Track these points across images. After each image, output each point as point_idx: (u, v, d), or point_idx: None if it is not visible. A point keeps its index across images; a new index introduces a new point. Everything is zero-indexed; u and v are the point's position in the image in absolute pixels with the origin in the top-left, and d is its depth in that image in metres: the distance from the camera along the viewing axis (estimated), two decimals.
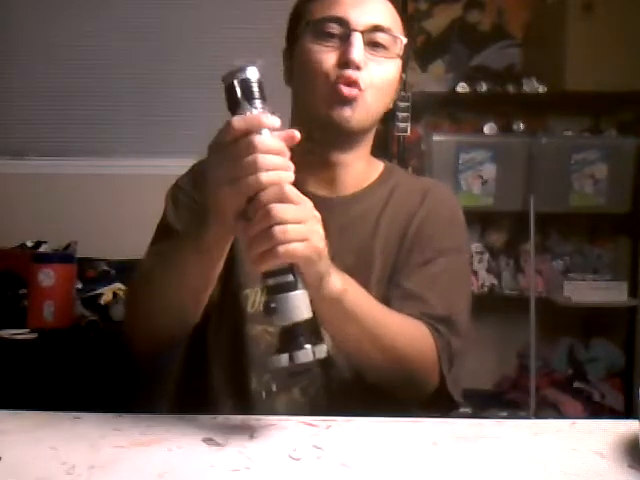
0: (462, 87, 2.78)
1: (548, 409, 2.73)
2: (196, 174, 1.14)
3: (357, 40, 1.01)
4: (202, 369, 1.08)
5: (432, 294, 1.04)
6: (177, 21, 2.84)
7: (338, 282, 0.88)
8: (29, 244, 2.39)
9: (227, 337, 1.06)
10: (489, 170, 2.76)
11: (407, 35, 1.10)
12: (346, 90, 1.01)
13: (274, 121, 0.80)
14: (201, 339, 1.06)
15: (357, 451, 0.79)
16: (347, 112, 1.02)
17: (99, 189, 2.65)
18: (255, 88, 0.82)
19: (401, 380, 0.98)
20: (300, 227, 0.80)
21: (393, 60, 1.06)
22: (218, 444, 0.80)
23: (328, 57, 1.03)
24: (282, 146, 0.81)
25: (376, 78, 1.04)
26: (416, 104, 2.71)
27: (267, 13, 2.61)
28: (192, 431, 0.83)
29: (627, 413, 2.74)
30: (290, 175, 0.81)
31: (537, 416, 2.57)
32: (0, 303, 2.08)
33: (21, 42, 2.84)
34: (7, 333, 1.96)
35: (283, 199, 0.80)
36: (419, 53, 2.93)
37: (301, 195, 0.83)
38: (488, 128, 2.82)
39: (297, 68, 1.08)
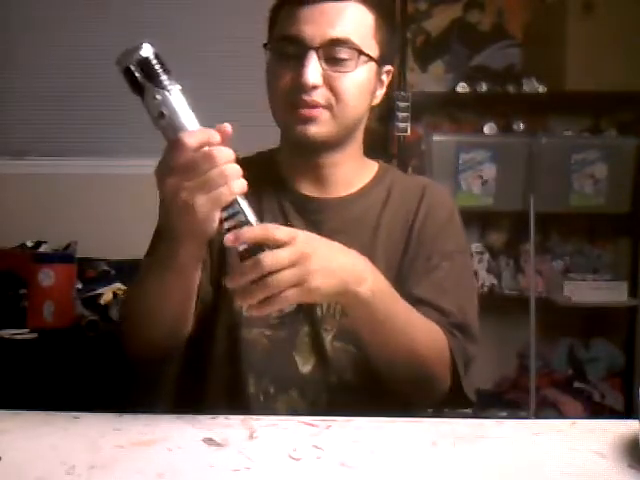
0: (462, 87, 2.78)
1: (548, 409, 2.73)
2: None
3: (311, 60, 0.99)
4: (199, 372, 1.07)
5: (444, 300, 1.03)
6: (177, 21, 2.84)
7: (366, 289, 0.88)
8: (29, 244, 2.39)
9: (223, 341, 1.06)
10: (489, 170, 2.76)
11: (388, 32, 1.06)
12: (305, 112, 1.00)
13: (225, 129, 0.81)
14: (197, 343, 1.06)
15: (357, 451, 0.79)
16: (311, 130, 1.01)
17: (99, 189, 2.65)
18: (156, 65, 0.80)
19: (417, 381, 0.98)
20: (294, 271, 0.80)
21: (359, 69, 1.02)
22: (218, 444, 0.80)
23: (285, 80, 1.01)
24: (231, 152, 0.81)
25: (340, 92, 1.01)
26: (416, 104, 2.71)
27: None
28: (192, 431, 0.83)
29: (627, 413, 2.74)
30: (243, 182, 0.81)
31: (537, 416, 2.57)
32: (0, 303, 2.08)
33: (21, 42, 2.84)
34: (7, 333, 1.96)
35: (272, 242, 0.79)
36: (419, 53, 2.93)
37: (289, 230, 0.83)
38: (488, 128, 2.81)
39: (266, 85, 1.07)
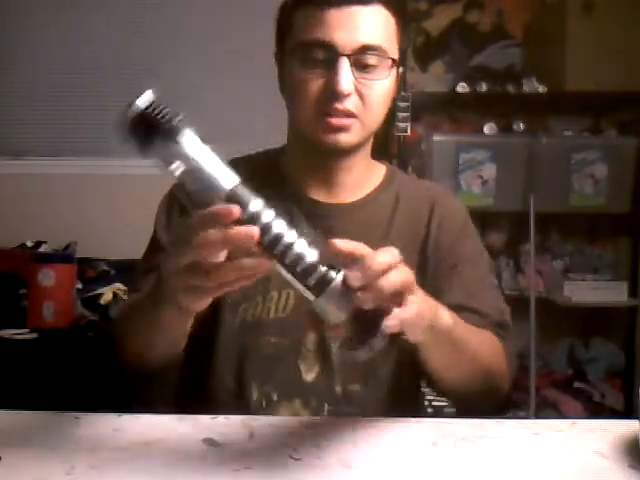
0: (462, 87, 2.78)
1: (548, 409, 2.73)
2: None
3: (344, 67, 0.95)
4: (201, 377, 1.06)
5: (479, 303, 1.02)
6: (177, 21, 2.84)
7: (446, 317, 0.84)
8: (29, 244, 2.39)
9: (225, 347, 1.04)
10: (489, 170, 2.76)
11: (405, 36, 1.04)
12: (336, 121, 0.97)
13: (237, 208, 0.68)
14: (199, 348, 1.03)
15: (357, 451, 0.79)
16: (342, 139, 0.99)
17: (99, 189, 2.65)
18: (159, 114, 0.71)
19: (485, 391, 0.96)
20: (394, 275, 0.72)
21: (386, 77, 1.00)
22: (218, 444, 0.80)
23: (315, 86, 0.97)
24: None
25: (369, 100, 0.98)
26: (416, 104, 2.71)
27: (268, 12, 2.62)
28: (192, 431, 0.83)
29: (627, 413, 2.74)
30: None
31: (537, 416, 2.57)
32: (0, 303, 2.08)
33: (21, 42, 2.84)
34: (7, 333, 1.96)
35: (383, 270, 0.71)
36: (419, 53, 2.94)
37: (389, 250, 0.74)
38: (488, 128, 2.82)
39: (287, 87, 1.03)
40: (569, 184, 2.77)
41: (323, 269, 0.69)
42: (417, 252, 1.06)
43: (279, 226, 0.69)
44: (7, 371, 1.81)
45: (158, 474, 0.73)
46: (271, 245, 0.68)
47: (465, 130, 2.89)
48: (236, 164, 1.08)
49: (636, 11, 2.58)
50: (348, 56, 0.95)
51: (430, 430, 0.86)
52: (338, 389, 1.01)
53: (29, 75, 2.86)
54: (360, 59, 0.97)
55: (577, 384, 2.87)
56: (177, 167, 0.69)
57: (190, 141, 0.70)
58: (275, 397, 1.01)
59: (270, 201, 1.02)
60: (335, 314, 0.69)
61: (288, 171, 1.09)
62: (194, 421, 0.86)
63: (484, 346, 0.96)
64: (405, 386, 1.06)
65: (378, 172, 1.12)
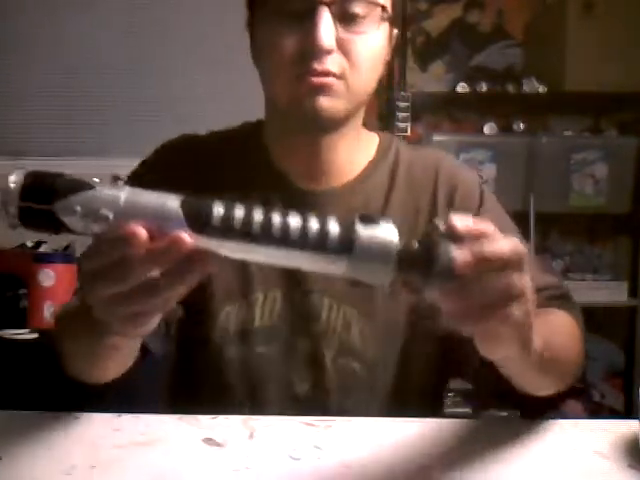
0: (462, 87, 2.78)
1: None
2: (159, 160, 0.99)
3: (324, 18, 0.80)
4: (186, 392, 0.97)
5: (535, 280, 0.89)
6: (176, 21, 2.84)
7: (537, 337, 0.66)
8: (29, 244, 2.39)
9: (209, 362, 0.94)
10: (489, 170, 2.76)
11: None
12: (316, 80, 0.82)
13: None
14: (182, 363, 0.96)
15: (357, 451, 0.79)
16: (323, 102, 0.83)
17: None
18: (42, 180, 0.57)
19: (572, 380, 0.87)
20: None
21: (376, 30, 0.85)
22: (218, 444, 0.80)
23: (290, 43, 0.82)
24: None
25: (356, 58, 0.83)
26: (416, 104, 2.71)
27: None
28: (192, 431, 0.83)
29: (627, 413, 2.74)
30: None
31: None
32: (0, 303, 2.08)
33: (20, 42, 2.84)
34: (7, 333, 1.95)
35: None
36: (419, 53, 2.94)
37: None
38: (488, 128, 2.82)
39: (258, 51, 0.89)
40: (569, 184, 2.77)
41: (338, 227, 0.56)
42: (423, 221, 0.93)
43: (258, 211, 0.56)
44: (7, 371, 1.81)
45: (158, 474, 0.73)
46: (264, 231, 0.55)
47: (465, 130, 2.89)
48: (214, 137, 1.01)
49: (636, 11, 2.58)
50: (328, 4, 0.80)
51: (430, 430, 0.86)
52: (334, 401, 0.92)
53: (28, 75, 2.86)
54: (344, 8, 0.82)
55: (577, 384, 2.87)
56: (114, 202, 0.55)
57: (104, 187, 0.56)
58: (266, 412, 0.90)
59: (251, 188, 0.89)
60: (377, 270, 0.56)
61: (270, 154, 0.96)
62: (194, 421, 0.86)
63: (567, 337, 0.84)
64: (405, 398, 0.95)
65: (371, 145, 0.98)
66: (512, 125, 2.82)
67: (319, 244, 0.55)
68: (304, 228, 0.55)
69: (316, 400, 0.92)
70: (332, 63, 0.82)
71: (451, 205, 0.94)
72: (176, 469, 0.74)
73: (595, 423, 0.90)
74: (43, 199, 0.56)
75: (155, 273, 0.56)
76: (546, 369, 0.74)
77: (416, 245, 0.57)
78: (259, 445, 0.80)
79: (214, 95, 2.82)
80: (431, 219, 0.91)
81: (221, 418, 0.87)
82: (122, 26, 2.85)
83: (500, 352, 0.62)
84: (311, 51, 0.81)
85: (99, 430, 0.83)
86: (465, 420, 0.89)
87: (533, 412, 0.88)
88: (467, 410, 2.35)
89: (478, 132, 2.82)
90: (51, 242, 2.40)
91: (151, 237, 0.55)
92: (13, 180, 0.57)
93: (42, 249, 2.35)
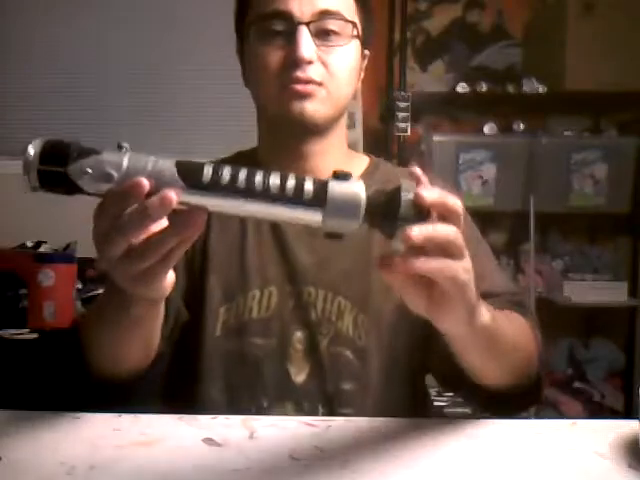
0: (462, 87, 2.78)
1: (548, 409, 2.73)
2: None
3: (303, 35, 0.93)
4: (186, 387, 1.00)
5: (491, 284, 0.93)
6: (178, 23, 2.84)
7: (485, 311, 0.73)
8: (29, 244, 2.39)
9: (209, 355, 0.98)
10: (489, 170, 2.76)
11: (366, 12, 1.00)
12: (300, 87, 0.94)
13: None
14: (182, 357, 0.99)
15: (357, 451, 0.79)
16: (307, 107, 0.95)
17: None
18: (57, 146, 0.65)
19: (524, 380, 0.89)
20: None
21: (349, 44, 0.97)
22: (218, 444, 0.80)
23: (275, 58, 0.95)
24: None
25: (333, 68, 0.96)
26: (416, 104, 2.71)
27: None
28: (192, 431, 0.83)
29: (627, 413, 2.74)
30: None
31: (537, 416, 2.57)
32: (0, 303, 2.08)
33: (20, 42, 2.84)
34: (7, 333, 1.96)
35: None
36: (419, 53, 2.94)
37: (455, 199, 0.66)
38: (488, 128, 2.82)
39: (248, 71, 1.01)
40: (569, 184, 2.77)
41: (312, 184, 0.63)
42: None
43: (244, 171, 0.63)
44: (7, 371, 1.81)
45: (158, 474, 0.73)
46: (248, 186, 0.62)
47: (465, 130, 2.89)
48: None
49: (636, 11, 2.58)
50: (307, 24, 0.93)
51: (430, 430, 0.86)
52: (330, 389, 0.97)
53: (28, 75, 2.86)
54: (320, 26, 0.95)
55: (577, 384, 2.87)
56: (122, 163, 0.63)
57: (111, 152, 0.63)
58: (265, 403, 0.97)
59: None
60: (348, 219, 0.62)
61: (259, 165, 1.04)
62: (194, 421, 0.86)
63: (519, 331, 0.88)
64: (400, 384, 1.00)
65: (360, 163, 1.08)
66: (512, 125, 2.82)
67: (296, 197, 0.62)
68: (283, 184, 0.62)
69: (312, 387, 0.97)
70: (313, 72, 0.94)
71: None
72: (176, 469, 0.74)
73: (595, 423, 0.90)
74: (58, 163, 0.63)
75: (156, 229, 0.63)
76: (494, 351, 0.79)
77: (382, 198, 0.64)
78: (259, 445, 0.80)
79: (218, 99, 2.82)
80: None
81: (221, 418, 0.87)
82: (124, 26, 2.85)
83: (449, 318, 0.68)
84: (294, 62, 0.93)
85: (99, 430, 0.83)
86: (465, 420, 0.89)
87: (492, 409, 0.93)
88: (467, 410, 2.35)
89: (478, 132, 2.82)
90: (51, 242, 2.40)
91: (150, 194, 0.61)
92: (32, 148, 0.66)
93: (42, 249, 2.35)
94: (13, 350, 1.93)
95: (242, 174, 0.62)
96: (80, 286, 2.17)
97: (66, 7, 2.82)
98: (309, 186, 0.63)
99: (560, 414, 2.72)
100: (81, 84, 2.85)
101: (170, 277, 0.71)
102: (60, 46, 2.84)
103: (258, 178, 0.62)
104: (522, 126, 2.81)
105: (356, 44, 0.99)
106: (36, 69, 2.85)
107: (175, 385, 1.02)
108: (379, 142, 2.79)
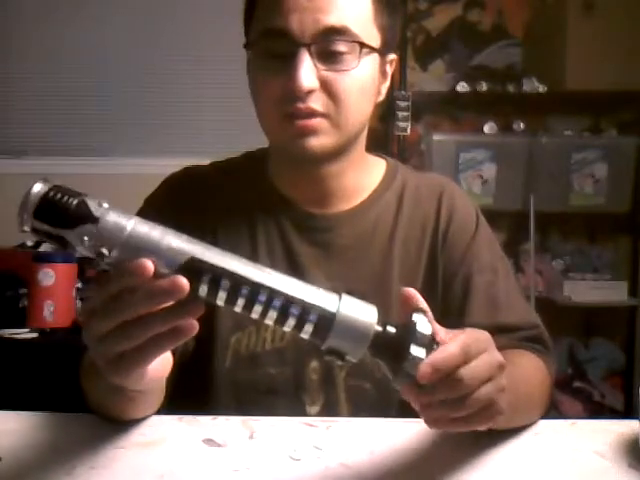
0: (462, 87, 2.78)
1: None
2: (165, 193, 0.97)
3: (303, 59, 0.81)
4: (196, 409, 0.93)
5: (508, 317, 0.91)
6: (178, 22, 2.84)
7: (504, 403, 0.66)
8: (29, 244, 2.39)
9: (217, 386, 0.92)
10: (489, 170, 2.76)
11: (389, 12, 0.88)
12: (301, 123, 0.84)
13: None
14: (193, 387, 0.93)
15: (357, 451, 0.79)
16: (310, 143, 0.85)
17: (99, 189, 2.64)
18: (56, 204, 0.57)
19: (537, 416, 0.88)
20: (489, 388, 0.61)
21: (359, 65, 0.85)
22: (218, 444, 0.80)
23: (275, 84, 0.84)
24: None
25: (340, 95, 0.84)
26: (416, 104, 2.71)
27: None
28: (192, 431, 0.83)
29: (627, 413, 2.74)
30: None
31: None
32: (0, 303, 2.08)
33: (21, 42, 2.84)
34: (7, 333, 1.95)
35: (469, 358, 0.60)
36: (419, 53, 2.94)
37: (480, 332, 0.64)
38: (488, 128, 2.82)
39: (250, 91, 0.90)
40: (569, 184, 2.77)
41: (318, 304, 0.58)
42: (426, 251, 0.94)
43: (247, 282, 0.57)
44: (7, 371, 1.81)
45: (158, 474, 0.73)
46: (247, 307, 0.57)
47: (465, 130, 2.89)
48: (217, 170, 1.00)
49: (636, 11, 2.58)
50: (308, 45, 0.82)
51: (430, 430, 0.86)
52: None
53: (29, 75, 2.86)
54: (325, 46, 0.83)
55: (577, 384, 2.87)
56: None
57: (112, 215, 0.57)
58: None
59: (257, 215, 0.93)
60: (353, 349, 0.58)
61: (275, 180, 0.96)
62: (194, 421, 0.86)
63: (532, 381, 0.85)
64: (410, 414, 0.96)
65: (377, 170, 1.00)
66: (512, 125, 2.82)
67: (298, 326, 0.58)
68: (285, 311, 0.57)
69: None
70: (316, 102, 0.84)
71: (447, 232, 0.95)
72: (176, 469, 0.74)
73: (595, 423, 0.90)
74: (54, 223, 0.57)
75: (145, 310, 0.56)
76: (509, 422, 0.79)
77: (392, 331, 0.59)
78: (259, 445, 0.80)
79: (219, 99, 2.82)
80: (434, 235, 0.94)
81: (221, 419, 0.87)
82: (125, 25, 2.85)
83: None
84: (293, 92, 0.83)
85: (99, 430, 0.83)
86: None
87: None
88: None
89: (478, 132, 2.82)
90: None
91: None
92: (34, 192, 0.57)
93: (42, 249, 2.35)
94: (13, 350, 1.93)
95: (244, 290, 0.56)
96: (80, 286, 2.17)
97: (66, 7, 2.82)
98: (314, 316, 0.57)
99: (560, 414, 2.72)
100: (81, 84, 2.84)
101: (163, 365, 0.64)
102: (60, 46, 2.84)
103: (261, 298, 0.57)
104: (522, 126, 2.81)
105: (371, 60, 0.87)
106: (36, 69, 2.84)
107: (184, 407, 0.94)
108: (379, 142, 2.79)
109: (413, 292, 0.62)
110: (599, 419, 0.91)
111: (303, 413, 0.91)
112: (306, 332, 0.58)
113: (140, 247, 0.56)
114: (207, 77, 2.83)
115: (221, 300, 0.57)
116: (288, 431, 0.84)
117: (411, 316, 0.60)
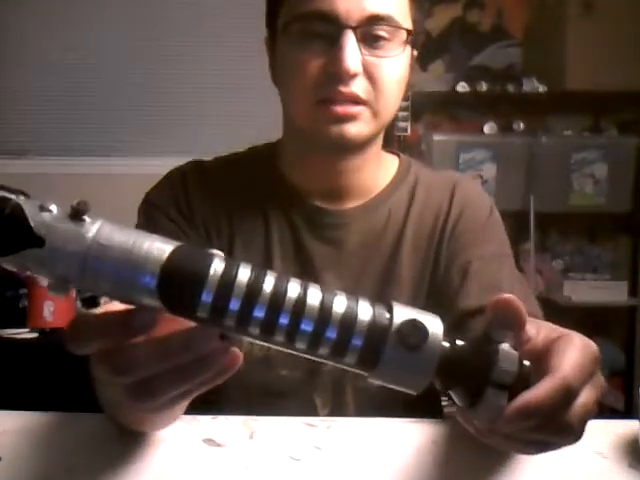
0: (462, 87, 2.79)
1: None
2: (173, 185, 0.94)
3: (349, 41, 0.79)
4: (206, 410, 0.91)
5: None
6: (177, 22, 2.84)
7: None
8: None
9: (229, 386, 0.85)
10: (489, 170, 2.76)
11: (416, 14, 0.87)
12: (341, 109, 0.81)
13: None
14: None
15: (357, 451, 0.79)
16: (350, 130, 0.83)
17: (99, 189, 2.65)
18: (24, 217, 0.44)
19: None
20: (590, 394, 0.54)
21: (401, 54, 0.85)
22: (218, 444, 0.80)
23: (314, 67, 0.81)
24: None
25: (382, 83, 0.83)
26: (416, 104, 2.71)
27: None
28: (192, 431, 0.83)
29: (627, 413, 2.74)
30: None
31: None
32: (0, 303, 2.08)
33: (21, 42, 2.84)
34: (7, 333, 1.96)
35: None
36: (419, 52, 2.93)
37: (582, 340, 0.53)
38: (488, 128, 2.82)
39: (280, 74, 0.87)
40: (569, 184, 2.78)
41: (363, 323, 0.44)
42: (436, 243, 0.92)
43: (263, 300, 0.43)
44: (7, 371, 1.81)
45: (158, 474, 0.73)
46: (264, 334, 0.45)
47: (465, 130, 2.90)
48: (224, 162, 0.98)
49: (636, 11, 2.58)
50: (354, 28, 0.79)
51: (430, 429, 0.86)
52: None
53: (29, 75, 2.86)
54: (368, 32, 0.81)
55: None
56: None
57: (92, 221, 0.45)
58: None
59: (269, 209, 0.91)
60: (411, 381, 0.46)
61: (286, 173, 0.94)
62: (194, 421, 0.86)
63: None
64: (426, 410, 0.92)
65: (390, 166, 0.98)
66: (512, 125, 2.82)
67: (334, 355, 0.46)
68: (317, 336, 0.45)
69: None
70: (358, 87, 0.81)
71: (458, 221, 0.93)
72: (176, 469, 0.74)
73: (595, 423, 0.90)
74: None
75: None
76: None
77: (466, 350, 0.46)
78: (259, 445, 0.80)
79: (219, 99, 2.82)
80: (443, 226, 0.92)
81: (221, 418, 0.87)
82: (126, 28, 2.85)
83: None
84: (337, 74, 0.80)
85: (99, 430, 0.83)
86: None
87: None
88: None
89: (478, 132, 2.83)
90: None
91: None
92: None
93: None
94: (13, 350, 1.93)
95: (258, 311, 0.44)
96: None
97: (66, 7, 2.82)
98: (356, 343, 0.44)
99: None
100: (81, 84, 2.85)
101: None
102: (59, 46, 2.84)
103: (283, 321, 0.44)
104: (522, 126, 2.81)
105: (408, 52, 0.87)
106: (36, 69, 2.84)
107: (194, 408, 0.96)
108: None
109: (517, 302, 0.49)
110: (599, 419, 0.91)
111: (314, 414, 0.91)
112: (348, 360, 0.46)
113: (104, 271, 0.43)
114: (207, 77, 2.83)
115: (224, 327, 0.46)
116: (288, 431, 0.84)
117: (492, 332, 0.46)
